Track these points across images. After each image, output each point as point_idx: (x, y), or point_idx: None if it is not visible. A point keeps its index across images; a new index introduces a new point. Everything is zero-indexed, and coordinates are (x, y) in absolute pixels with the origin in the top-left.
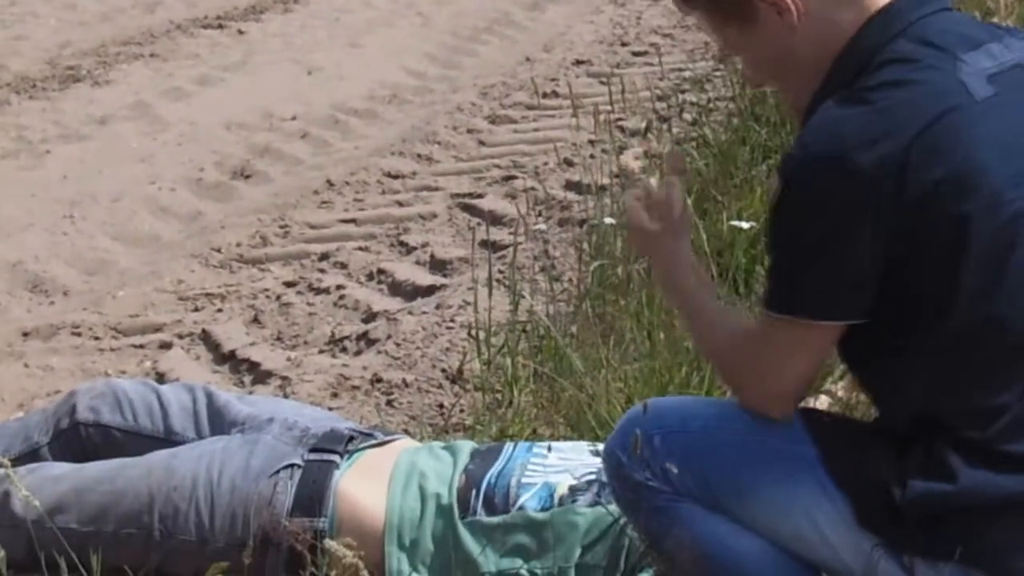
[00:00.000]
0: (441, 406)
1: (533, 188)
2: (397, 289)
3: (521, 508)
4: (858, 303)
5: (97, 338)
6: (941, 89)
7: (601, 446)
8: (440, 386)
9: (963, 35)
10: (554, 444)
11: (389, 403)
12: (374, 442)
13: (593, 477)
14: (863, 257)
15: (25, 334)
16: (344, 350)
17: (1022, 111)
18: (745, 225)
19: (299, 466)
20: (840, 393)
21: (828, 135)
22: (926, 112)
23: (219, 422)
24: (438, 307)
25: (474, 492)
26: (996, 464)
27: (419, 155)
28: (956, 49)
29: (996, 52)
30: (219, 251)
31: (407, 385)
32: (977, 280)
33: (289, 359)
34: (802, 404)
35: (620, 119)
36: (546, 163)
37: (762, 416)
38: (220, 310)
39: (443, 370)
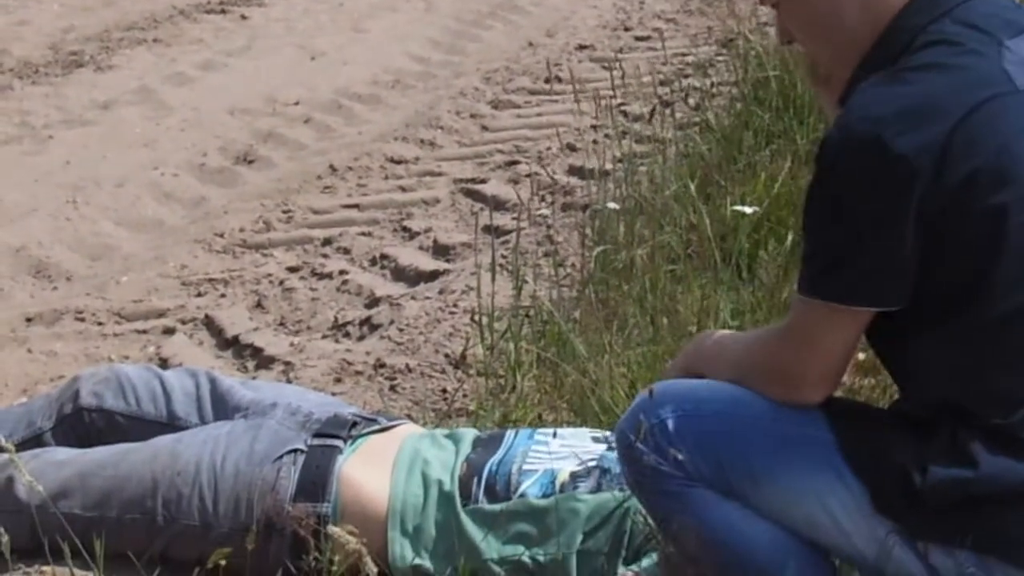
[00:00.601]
0: (444, 391)
1: (536, 173)
2: (400, 274)
3: (523, 495)
4: (897, 289)
5: (101, 323)
6: (984, 76)
7: (603, 432)
8: (443, 371)
9: (1008, 20)
10: (556, 430)
11: (392, 388)
12: (377, 427)
13: (595, 463)
14: (903, 243)
15: (29, 319)
16: (347, 335)
17: None
18: (748, 210)
19: (303, 451)
20: (845, 380)
21: (870, 117)
22: (968, 99)
23: (222, 407)
24: (441, 292)
25: (476, 480)
26: (1018, 452)
27: (422, 140)
28: (1001, 34)
29: None
30: (222, 236)
31: (410, 370)
32: (1011, 270)
33: (292, 344)
34: None
35: (623, 104)
36: (549, 148)
37: (797, 404)
38: (223, 295)
39: (446, 355)
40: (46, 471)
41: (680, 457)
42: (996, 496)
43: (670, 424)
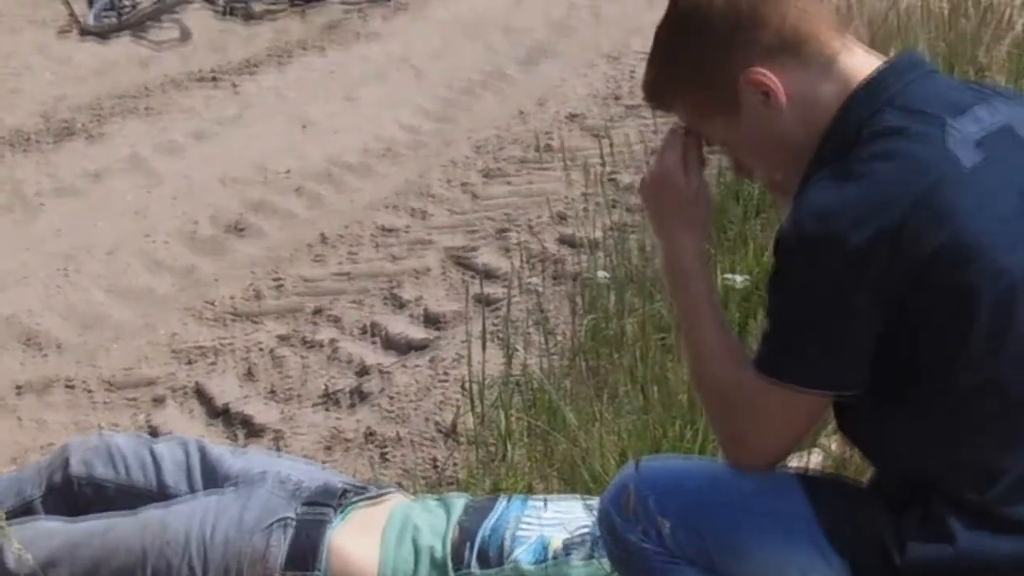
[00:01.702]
0: (435, 460)
1: (527, 243)
2: (391, 343)
3: (515, 562)
4: (852, 374)
5: (90, 392)
6: (930, 161)
7: (594, 501)
8: (433, 440)
9: (949, 100)
10: (548, 498)
11: (383, 457)
12: (368, 497)
13: (587, 532)
14: (858, 330)
15: (19, 388)
16: (337, 404)
17: (1011, 176)
18: (739, 279)
19: (292, 520)
20: (834, 447)
21: (820, 214)
22: (916, 185)
23: (212, 477)
24: (432, 361)
25: (468, 545)
26: (996, 526)
27: (413, 209)
28: (944, 115)
29: (982, 115)
30: (213, 305)
31: (400, 439)
32: (980, 345)
33: (282, 413)
34: (798, 462)
35: (613, 173)
36: (540, 217)
37: (739, 467)
38: (214, 364)
39: (437, 424)
40: (36, 540)
41: (663, 533)
42: (976, 571)
43: (651, 501)
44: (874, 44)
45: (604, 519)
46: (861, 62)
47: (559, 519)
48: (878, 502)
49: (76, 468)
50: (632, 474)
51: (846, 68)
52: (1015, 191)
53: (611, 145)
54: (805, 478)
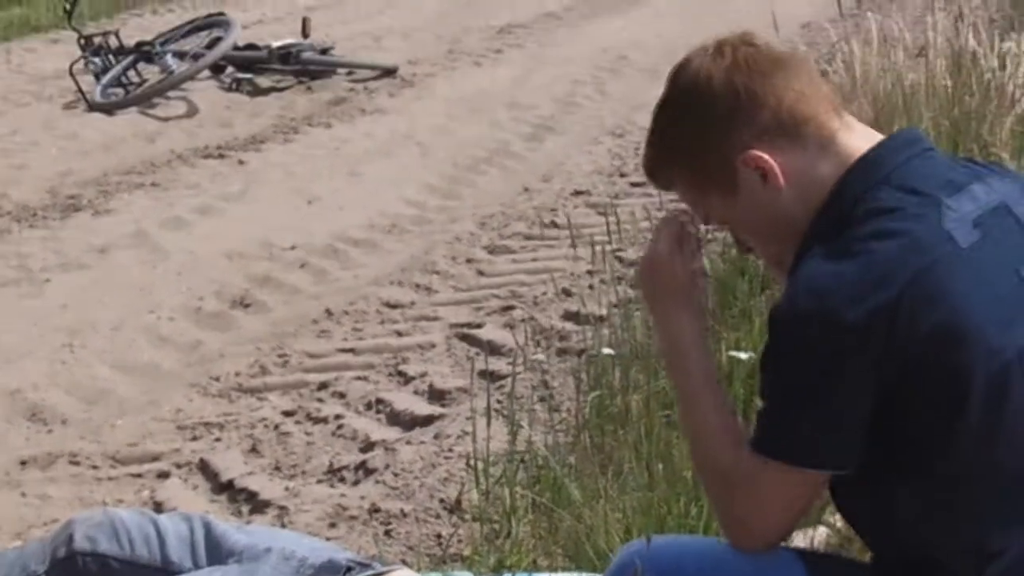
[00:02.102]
0: (439, 536)
1: (532, 318)
2: (395, 419)
3: None
4: (844, 453)
5: (95, 467)
6: (927, 240)
7: None
8: (438, 516)
9: (945, 178)
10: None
11: (387, 533)
12: (372, 572)
13: None
14: (851, 408)
15: (23, 463)
16: (342, 480)
17: (1007, 254)
18: (744, 356)
19: None
20: (839, 524)
21: (815, 290)
22: (912, 265)
23: (216, 552)
24: (436, 437)
25: None
26: None
27: (418, 285)
28: (940, 194)
29: (979, 194)
30: (218, 380)
31: (405, 515)
32: (974, 427)
33: (287, 489)
34: (803, 538)
35: (618, 249)
36: (544, 293)
37: (741, 549)
38: (218, 439)
39: (441, 500)
40: None
41: None
42: None
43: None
44: (878, 121)
45: None
46: (859, 140)
47: None
48: None
49: (80, 543)
50: (635, 550)
51: (844, 146)
52: (1011, 269)
53: (616, 221)
54: (806, 556)
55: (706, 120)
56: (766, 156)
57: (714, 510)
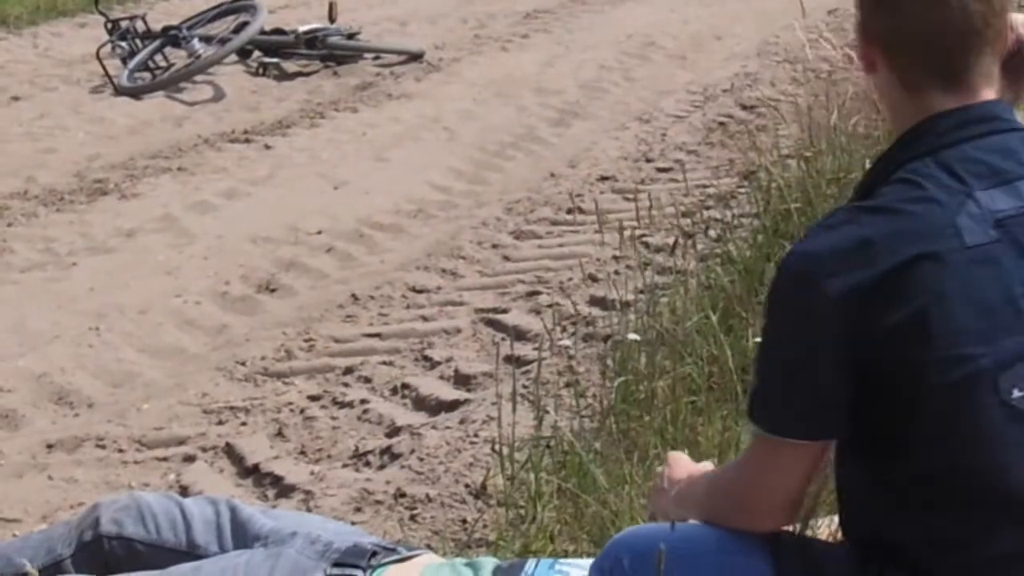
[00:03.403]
0: (464, 521)
1: (558, 304)
2: (421, 404)
3: None
4: (825, 423)
5: (121, 450)
6: (929, 228)
7: None
8: (463, 501)
9: (995, 167)
10: (578, 561)
11: (412, 518)
12: (397, 557)
13: None
14: (828, 378)
15: (49, 446)
16: (368, 464)
17: (1015, 266)
18: None
19: None
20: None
21: (807, 253)
22: (905, 250)
23: (242, 536)
24: (462, 422)
25: None
26: None
27: (444, 270)
28: (975, 184)
29: None
30: (244, 364)
31: (430, 500)
32: (932, 428)
33: (313, 473)
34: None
35: (645, 235)
36: (571, 279)
37: (756, 531)
38: (244, 423)
39: (466, 485)
40: None
41: None
42: None
43: (626, 563)
44: None
45: None
46: (945, 100)
47: None
48: (836, 561)
49: (106, 527)
50: (618, 539)
51: (925, 99)
52: (1018, 283)
53: (644, 207)
54: (772, 538)
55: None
56: (876, 53)
57: (719, 512)
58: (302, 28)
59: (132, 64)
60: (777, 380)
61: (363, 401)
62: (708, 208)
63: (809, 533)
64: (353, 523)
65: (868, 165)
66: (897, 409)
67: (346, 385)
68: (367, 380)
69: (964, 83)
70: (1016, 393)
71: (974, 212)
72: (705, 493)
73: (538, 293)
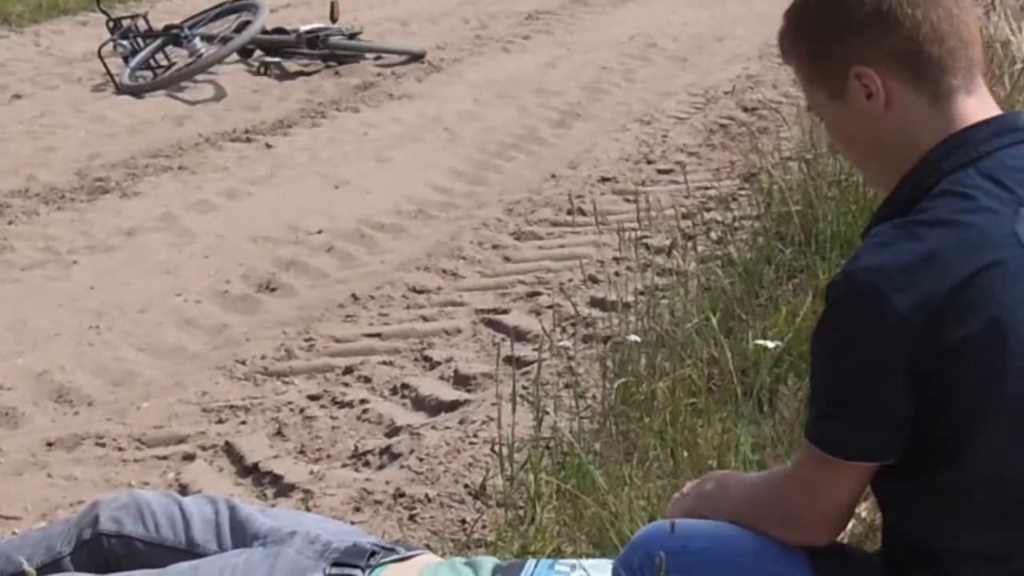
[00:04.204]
0: (463, 522)
1: (558, 305)
2: (421, 404)
3: None
4: (888, 444)
5: (121, 449)
6: (990, 238)
7: None
8: (463, 502)
9: None
10: (577, 562)
11: (411, 518)
12: (396, 557)
13: None
14: (894, 398)
15: (49, 444)
16: (367, 464)
17: None
18: (770, 344)
19: None
20: (864, 514)
21: (872, 268)
22: (972, 261)
23: (241, 535)
24: (461, 423)
25: None
26: None
27: (444, 270)
28: (1021, 192)
29: None
30: (244, 363)
31: (430, 500)
32: (996, 438)
33: (312, 472)
34: None
35: (645, 237)
36: (571, 280)
37: (802, 544)
38: (244, 422)
39: (466, 486)
40: None
41: None
42: None
43: (658, 560)
44: None
45: None
46: (971, 109)
47: None
48: (877, 571)
49: (106, 525)
50: (647, 535)
51: (953, 109)
52: None
53: (645, 208)
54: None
55: (841, 18)
56: (877, 78)
57: (762, 522)
58: (304, 28)
59: (133, 63)
60: (839, 399)
61: (363, 401)
62: (709, 210)
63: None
64: (352, 523)
65: None
66: (965, 418)
67: (346, 385)
68: (367, 380)
69: (981, 88)
70: None
71: None
72: (745, 500)
73: (538, 294)
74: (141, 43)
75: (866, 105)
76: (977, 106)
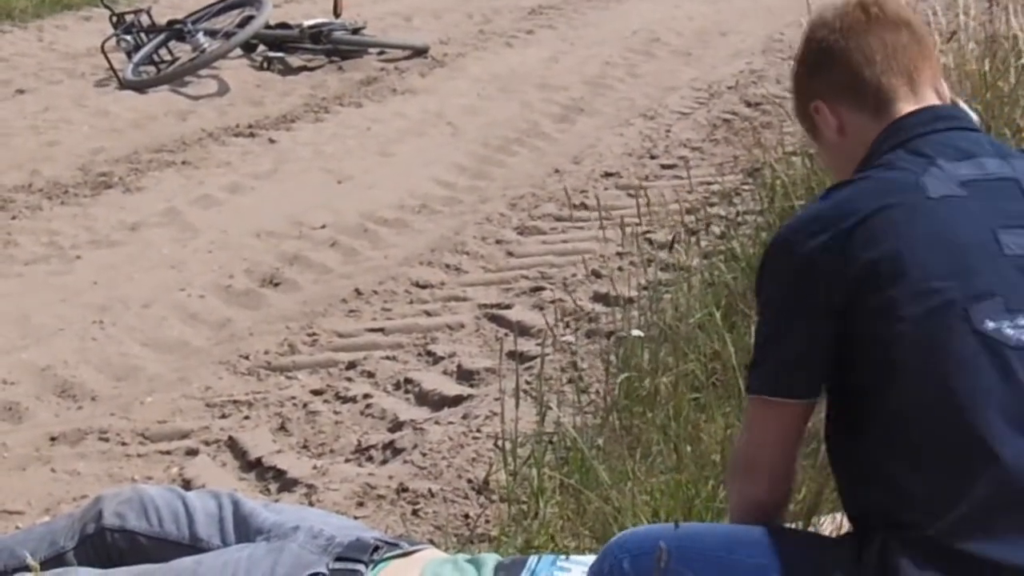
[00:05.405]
0: (467, 516)
1: (561, 300)
2: (424, 399)
3: None
4: (805, 381)
5: (124, 444)
6: (892, 185)
7: None
8: (466, 496)
9: (959, 148)
10: (579, 558)
11: (415, 513)
12: (399, 552)
13: None
14: (808, 335)
15: (53, 439)
16: (370, 459)
17: (987, 215)
18: None
19: (324, 575)
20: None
21: (788, 227)
22: (873, 203)
23: (245, 529)
24: (465, 417)
25: None
26: (948, 566)
27: (447, 265)
28: (940, 158)
29: (990, 166)
30: (247, 358)
31: (433, 495)
32: (909, 365)
33: (315, 467)
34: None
35: (648, 231)
36: (574, 275)
37: (757, 501)
38: (247, 417)
39: (469, 480)
40: None
41: None
42: None
43: (626, 564)
44: None
45: None
46: (912, 107)
47: None
48: (842, 549)
49: (109, 519)
50: (616, 542)
51: (893, 112)
52: (986, 227)
53: (647, 203)
54: (777, 532)
55: (803, 67)
56: (826, 108)
57: (733, 480)
58: (307, 22)
59: (137, 58)
60: (763, 343)
61: (366, 396)
62: (712, 205)
63: (812, 530)
64: (355, 518)
65: None
66: (877, 349)
67: (349, 380)
68: (370, 375)
69: (924, 89)
70: (989, 324)
71: (938, 174)
72: (728, 466)
73: (541, 289)
74: (144, 38)
75: (828, 135)
76: (918, 103)
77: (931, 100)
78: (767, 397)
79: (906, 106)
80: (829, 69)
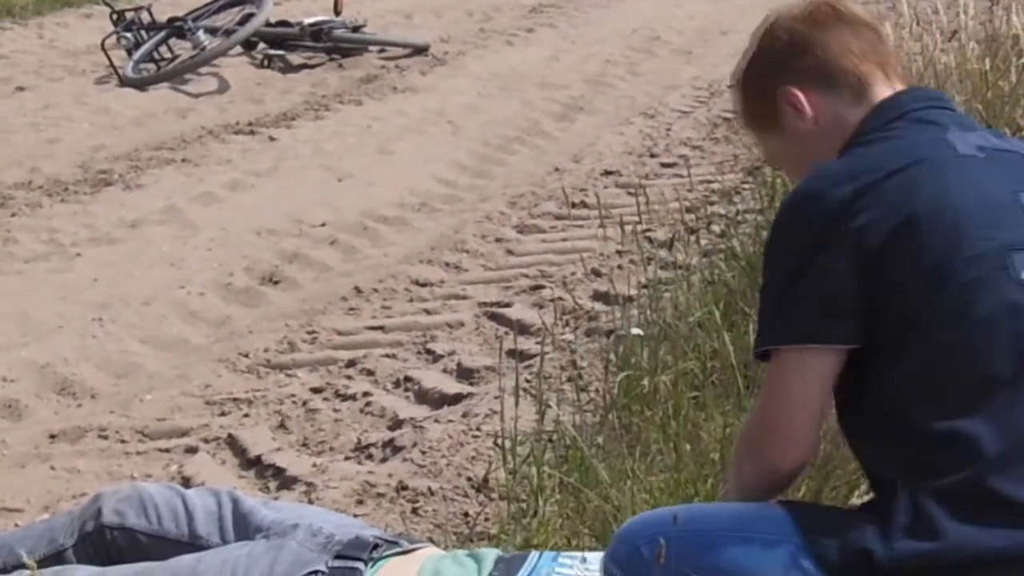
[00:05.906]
0: (466, 515)
1: (561, 298)
2: (423, 397)
3: None
4: (839, 327)
5: (124, 441)
6: (923, 144)
7: None
8: (465, 495)
9: (959, 121)
10: (584, 555)
11: (414, 511)
12: (399, 550)
13: None
14: (840, 281)
15: (52, 436)
16: (370, 457)
17: (1007, 178)
18: None
19: (323, 573)
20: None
21: (815, 176)
22: (904, 156)
23: (244, 527)
24: (464, 415)
25: None
26: (982, 510)
27: (447, 263)
28: (951, 125)
29: (991, 139)
30: (247, 356)
31: (432, 493)
32: (943, 310)
33: (315, 465)
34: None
35: (648, 230)
36: (574, 273)
37: (787, 465)
38: (247, 415)
39: (469, 479)
40: None
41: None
42: (965, 566)
43: (643, 550)
44: None
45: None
46: (894, 90)
47: (591, 574)
48: (866, 512)
49: (108, 517)
50: (627, 529)
51: (876, 93)
52: (1008, 189)
53: (646, 202)
54: (791, 505)
55: (766, 60)
56: (800, 94)
57: (751, 455)
58: (307, 20)
59: (137, 55)
60: (788, 290)
61: (366, 394)
62: (712, 203)
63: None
64: (355, 516)
65: None
66: (912, 293)
67: (349, 378)
68: (370, 373)
69: (896, 77)
70: None
71: (959, 137)
72: (741, 437)
73: (541, 287)
74: (145, 35)
75: (797, 123)
76: (894, 89)
77: (896, 81)
78: (795, 345)
79: (884, 90)
80: (800, 56)
